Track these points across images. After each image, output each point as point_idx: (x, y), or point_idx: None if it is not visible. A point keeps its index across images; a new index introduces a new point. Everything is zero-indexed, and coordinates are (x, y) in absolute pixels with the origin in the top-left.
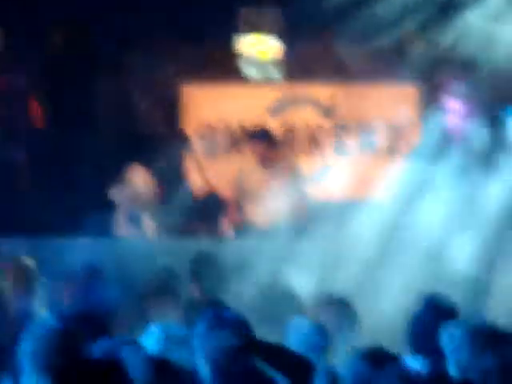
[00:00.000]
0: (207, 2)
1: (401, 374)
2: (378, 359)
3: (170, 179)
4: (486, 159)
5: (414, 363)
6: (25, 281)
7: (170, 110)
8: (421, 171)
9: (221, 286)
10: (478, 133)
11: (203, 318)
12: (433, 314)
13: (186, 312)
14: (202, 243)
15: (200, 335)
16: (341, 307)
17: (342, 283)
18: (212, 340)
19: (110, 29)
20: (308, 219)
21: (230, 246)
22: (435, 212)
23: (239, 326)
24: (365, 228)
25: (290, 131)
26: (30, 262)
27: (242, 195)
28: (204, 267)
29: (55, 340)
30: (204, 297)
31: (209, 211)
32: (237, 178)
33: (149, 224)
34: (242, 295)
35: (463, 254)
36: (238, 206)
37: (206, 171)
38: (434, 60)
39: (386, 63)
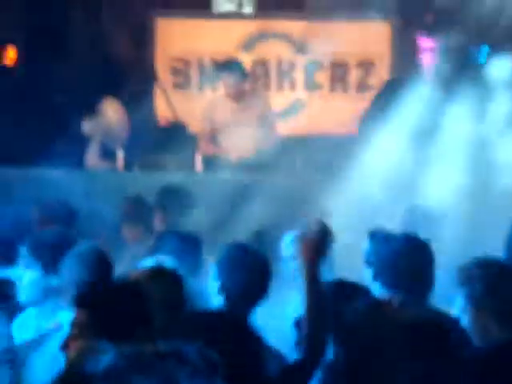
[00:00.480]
0: None
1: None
2: (346, 291)
3: (138, 112)
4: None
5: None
6: None
7: (142, 42)
8: (392, 107)
9: (183, 216)
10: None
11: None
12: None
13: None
14: (171, 176)
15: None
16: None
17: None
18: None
19: None
20: (277, 153)
21: (197, 178)
22: (404, 145)
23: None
24: (333, 162)
25: (261, 65)
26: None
27: (213, 128)
28: (167, 198)
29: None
30: (167, 226)
31: (177, 143)
32: (207, 109)
33: (119, 157)
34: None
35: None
36: (209, 139)
37: (176, 105)
38: None
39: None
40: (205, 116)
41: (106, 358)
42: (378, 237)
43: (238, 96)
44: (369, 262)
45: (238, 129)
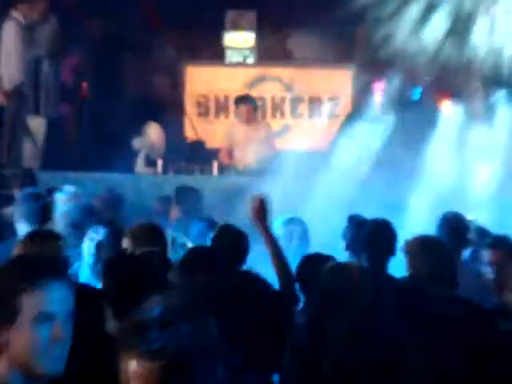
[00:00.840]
0: (205, 7)
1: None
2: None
3: (172, 133)
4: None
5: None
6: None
7: (176, 83)
8: (354, 130)
9: (197, 208)
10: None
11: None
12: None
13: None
14: (195, 178)
15: None
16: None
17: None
18: None
19: (136, 22)
20: (274, 162)
21: (214, 181)
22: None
23: None
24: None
25: (260, 100)
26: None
27: (231, 144)
28: (183, 194)
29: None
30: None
31: (199, 155)
32: (228, 132)
33: (159, 165)
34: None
35: None
36: (227, 152)
37: (198, 128)
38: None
39: (331, 53)
40: (226, 136)
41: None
42: (353, 219)
43: (250, 121)
44: (343, 237)
45: (248, 145)
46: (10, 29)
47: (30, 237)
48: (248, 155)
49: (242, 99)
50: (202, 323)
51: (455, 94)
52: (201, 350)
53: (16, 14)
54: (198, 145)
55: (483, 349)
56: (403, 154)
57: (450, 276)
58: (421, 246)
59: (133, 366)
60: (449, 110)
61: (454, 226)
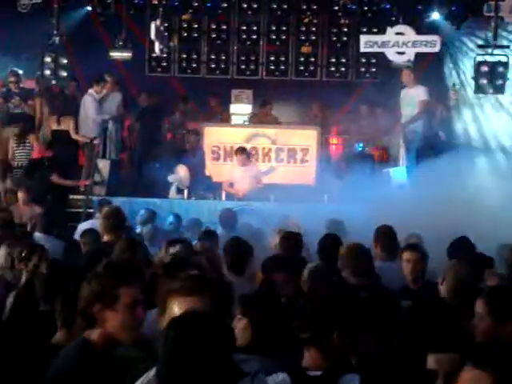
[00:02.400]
0: (217, 87)
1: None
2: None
3: (196, 172)
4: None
5: None
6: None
7: (197, 139)
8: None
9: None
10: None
11: None
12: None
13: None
14: (209, 202)
15: None
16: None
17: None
18: None
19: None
20: (262, 192)
21: (222, 203)
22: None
23: None
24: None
25: (254, 149)
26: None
27: (231, 179)
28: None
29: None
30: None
31: (211, 187)
32: (229, 171)
33: (186, 193)
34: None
35: None
36: (228, 184)
37: (212, 168)
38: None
39: (303, 118)
40: (228, 174)
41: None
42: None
43: (244, 164)
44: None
45: (243, 180)
46: (87, 102)
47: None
48: (244, 187)
49: (239, 150)
50: None
51: None
52: None
53: (91, 90)
54: (211, 179)
55: (386, 321)
56: None
57: (366, 271)
58: (347, 251)
59: None
60: None
61: None
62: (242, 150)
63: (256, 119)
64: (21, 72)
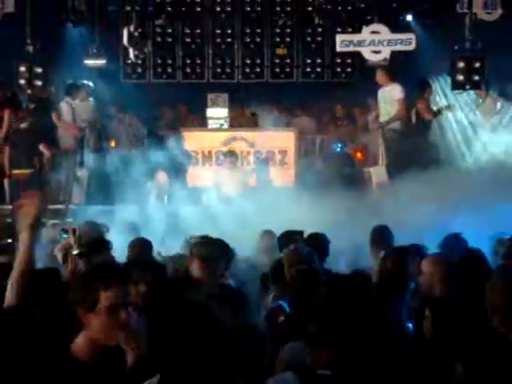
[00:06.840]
0: (194, 91)
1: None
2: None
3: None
4: None
5: None
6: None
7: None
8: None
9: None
10: None
11: None
12: None
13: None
14: (191, 208)
15: None
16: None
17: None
18: None
19: None
20: (248, 192)
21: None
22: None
23: None
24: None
25: (234, 153)
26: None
27: (219, 182)
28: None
29: None
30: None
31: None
32: (216, 174)
33: (164, 199)
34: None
35: None
36: (217, 188)
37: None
38: None
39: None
40: (214, 177)
41: None
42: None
43: (231, 168)
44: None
45: (231, 183)
46: (64, 110)
47: None
48: (230, 189)
49: (228, 154)
50: None
51: None
52: None
53: (68, 98)
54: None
55: (340, 301)
56: None
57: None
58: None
59: None
60: None
61: None
62: (232, 155)
63: (234, 121)
64: None
